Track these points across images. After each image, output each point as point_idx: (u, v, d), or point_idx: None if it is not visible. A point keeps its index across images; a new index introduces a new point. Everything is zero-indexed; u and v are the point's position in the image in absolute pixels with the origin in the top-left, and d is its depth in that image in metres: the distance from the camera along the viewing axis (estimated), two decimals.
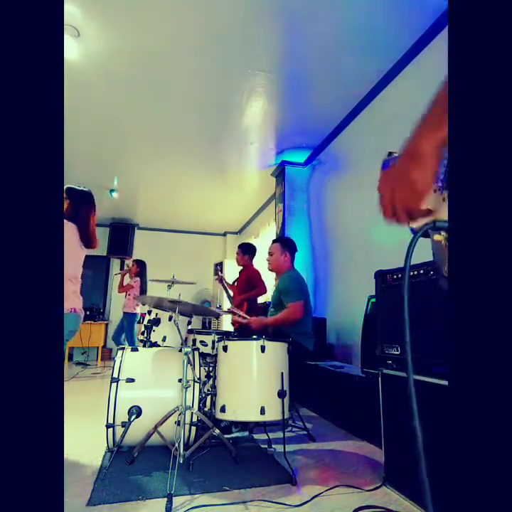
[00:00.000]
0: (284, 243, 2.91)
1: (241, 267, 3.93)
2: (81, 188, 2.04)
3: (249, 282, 3.74)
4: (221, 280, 4.08)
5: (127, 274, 5.17)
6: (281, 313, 2.58)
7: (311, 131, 4.10)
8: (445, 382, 1.34)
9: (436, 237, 0.62)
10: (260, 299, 4.16)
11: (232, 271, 4.38)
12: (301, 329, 2.61)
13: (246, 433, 2.22)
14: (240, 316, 2.76)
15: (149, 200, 6.46)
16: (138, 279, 5.00)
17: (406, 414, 1.64)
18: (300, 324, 2.60)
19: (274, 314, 2.66)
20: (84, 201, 2.01)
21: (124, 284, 5.10)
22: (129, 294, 4.93)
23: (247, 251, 3.87)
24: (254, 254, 3.92)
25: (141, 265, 5.11)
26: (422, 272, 1.57)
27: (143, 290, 4.99)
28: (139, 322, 6.70)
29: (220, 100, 3.58)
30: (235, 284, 3.92)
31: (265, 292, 3.78)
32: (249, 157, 4.77)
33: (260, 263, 3.73)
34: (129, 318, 4.88)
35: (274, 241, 3.00)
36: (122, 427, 1.89)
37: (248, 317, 2.71)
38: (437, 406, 1.34)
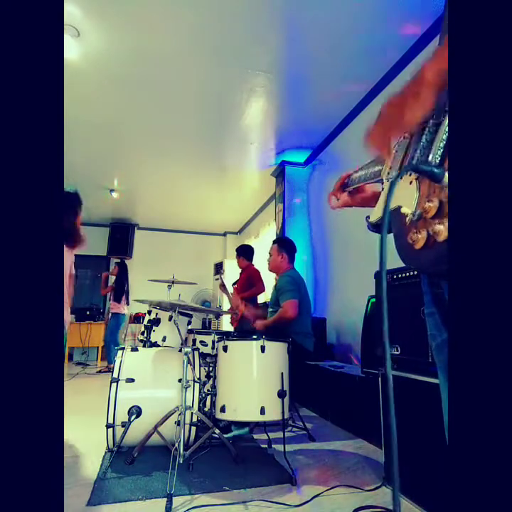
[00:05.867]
0: (281, 244, 2.94)
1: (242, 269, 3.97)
2: (66, 190, 1.83)
3: (249, 282, 3.76)
4: (223, 287, 4.11)
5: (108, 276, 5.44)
6: (276, 313, 2.64)
7: (311, 131, 4.11)
8: None
9: (404, 209, 0.63)
10: (260, 299, 4.17)
11: (232, 271, 4.40)
12: (300, 329, 2.62)
13: (246, 429, 2.21)
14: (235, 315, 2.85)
15: (149, 200, 6.46)
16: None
17: (405, 414, 1.64)
18: (298, 323, 2.61)
19: (273, 314, 2.70)
20: (69, 206, 1.81)
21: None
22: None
23: (240, 253, 3.93)
24: (250, 254, 3.96)
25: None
26: None
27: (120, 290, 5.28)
28: (139, 322, 6.74)
29: (220, 100, 3.58)
30: (235, 285, 3.94)
31: (263, 291, 3.80)
32: (249, 157, 4.77)
33: (261, 264, 3.74)
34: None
35: (273, 242, 3.03)
36: (122, 427, 1.89)
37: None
38: (436, 406, 1.34)
